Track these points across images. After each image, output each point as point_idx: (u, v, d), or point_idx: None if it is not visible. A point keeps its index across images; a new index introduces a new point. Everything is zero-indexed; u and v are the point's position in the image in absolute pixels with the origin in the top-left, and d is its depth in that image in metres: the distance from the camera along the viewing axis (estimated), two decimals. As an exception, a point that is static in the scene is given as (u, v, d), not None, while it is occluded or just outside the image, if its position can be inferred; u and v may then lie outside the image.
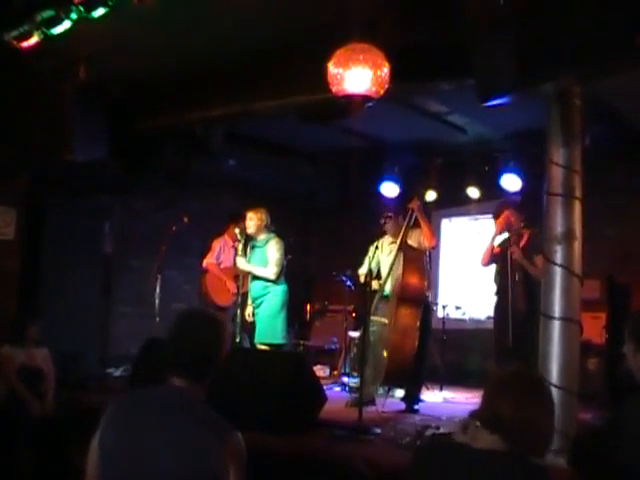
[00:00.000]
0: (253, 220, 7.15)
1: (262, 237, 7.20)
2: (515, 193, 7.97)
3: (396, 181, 8.70)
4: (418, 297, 6.51)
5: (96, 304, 8.38)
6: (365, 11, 4.89)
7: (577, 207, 4.65)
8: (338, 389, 7.69)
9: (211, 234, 8.22)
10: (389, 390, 6.68)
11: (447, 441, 2.26)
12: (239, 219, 7.46)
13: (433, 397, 7.31)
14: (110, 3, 4.53)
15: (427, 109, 7.43)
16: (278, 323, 7.09)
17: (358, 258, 7.04)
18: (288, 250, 7.42)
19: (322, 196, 10.18)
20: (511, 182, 8.00)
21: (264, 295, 7.12)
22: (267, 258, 7.11)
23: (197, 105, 6.88)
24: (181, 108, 7.04)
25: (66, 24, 4.71)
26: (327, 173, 10.00)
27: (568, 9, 4.27)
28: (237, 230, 7.34)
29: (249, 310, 7.22)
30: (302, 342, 9.34)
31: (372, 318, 6.45)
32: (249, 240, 7.29)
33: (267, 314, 7.09)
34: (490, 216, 7.12)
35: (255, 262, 7.17)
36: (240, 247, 7.26)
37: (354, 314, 8.59)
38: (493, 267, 6.84)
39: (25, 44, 4.91)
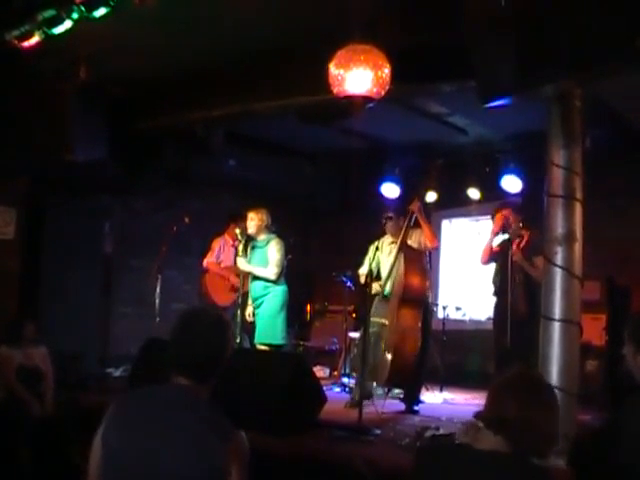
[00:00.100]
0: (254, 220, 7.15)
1: (262, 237, 7.20)
2: (515, 194, 7.98)
3: (397, 182, 8.70)
4: (420, 298, 6.52)
5: (96, 304, 8.38)
6: (366, 12, 4.89)
7: (577, 208, 4.66)
8: (338, 390, 7.69)
9: (211, 234, 8.22)
10: (388, 391, 6.68)
11: (449, 442, 2.27)
12: (239, 219, 7.46)
13: (433, 398, 7.31)
14: (111, 3, 4.53)
15: (428, 110, 7.43)
16: (278, 323, 7.08)
17: (358, 259, 7.03)
18: (288, 250, 7.41)
19: (322, 197, 10.18)
20: (511, 183, 8.00)
21: (264, 295, 7.11)
22: (267, 258, 7.10)
23: (197, 105, 6.89)
24: (181, 108, 7.04)
25: (67, 24, 4.72)
26: (328, 174, 10.00)
27: (569, 10, 4.27)
28: (238, 230, 7.34)
29: (249, 310, 7.22)
30: (302, 343, 9.33)
31: (372, 319, 6.45)
32: (249, 240, 7.28)
33: (267, 314, 7.09)
34: (490, 217, 7.13)
35: (255, 262, 7.17)
36: (240, 247, 7.25)
37: (354, 315, 8.59)
38: (492, 268, 6.85)
39: (26, 44, 4.91)
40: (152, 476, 2.26)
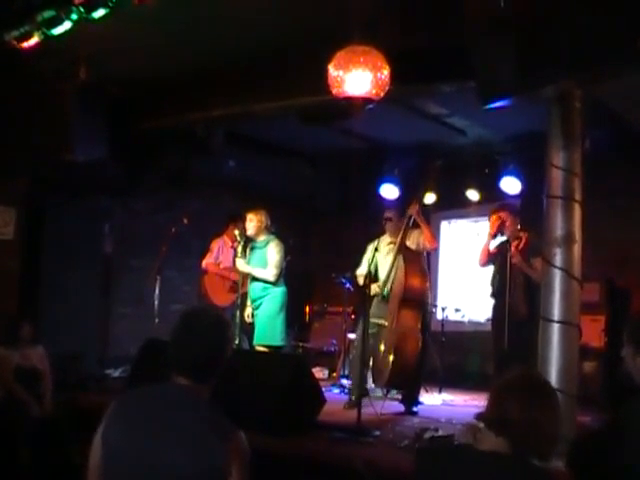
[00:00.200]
0: (253, 221, 7.15)
1: (262, 238, 7.20)
2: (515, 196, 7.98)
3: (396, 183, 8.69)
4: (420, 299, 6.52)
5: (96, 304, 8.37)
6: (365, 12, 4.88)
7: (577, 210, 4.66)
8: (337, 391, 7.68)
9: (211, 235, 8.22)
10: (388, 392, 6.68)
11: (450, 443, 2.28)
12: (239, 220, 7.46)
13: (432, 399, 7.29)
14: (110, 4, 4.52)
15: (427, 111, 7.43)
16: (277, 325, 7.08)
17: (358, 259, 7.03)
18: (288, 252, 7.41)
19: (322, 198, 10.19)
20: (511, 185, 8.00)
21: (263, 296, 7.11)
22: (266, 259, 7.10)
23: (197, 106, 6.89)
24: (181, 108, 7.04)
25: (66, 25, 4.71)
26: (327, 175, 10.00)
27: (568, 11, 4.27)
28: (237, 231, 7.34)
29: (248, 311, 7.22)
30: (301, 344, 9.33)
31: (371, 320, 6.44)
32: (249, 241, 7.28)
33: (266, 315, 7.09)
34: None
35: (254, 263, 7.17)
36: (240, 248, 7.26)
37: (353, 316, 8.58)
38: (492, 269, 6.84)
39: (25, 44, 4.90)
40: (152, 476, 2.26)
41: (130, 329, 8.33)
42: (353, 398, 6.35)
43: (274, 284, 7.08)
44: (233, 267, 7.52)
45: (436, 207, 8.84)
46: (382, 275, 6.66)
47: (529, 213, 6.32)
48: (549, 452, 2.22)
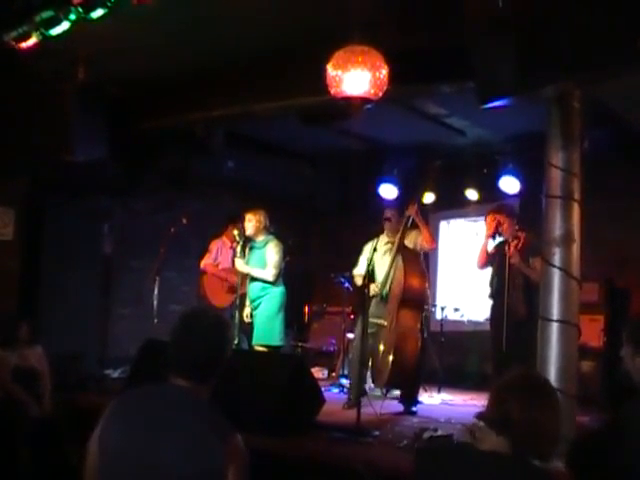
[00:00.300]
0: (252, 222, 7.15)
1: (261, 239, 7.20)
2: (514, 196, 7.98)
3: (395, 183, 8.69)
4: (419, 299, 6.53)
5: (95, 305, 8.37)
6: (365, 12, 4.88)
7: (576, 210, 4.66)
8: (336, 391, 7.67)
9: (210, 235, 8.22)
10: (387, 392, 6.68)
11: (449, 442, 2.28)
12: (238, 220, 7.46)
13: (431, 399, 7.30)
14: (109, 4, 4.51)
15: (426, 111, 7.42)
16: (276, 325, 7.08)
17: (356, 260, 7.03)
18: (287, 252, 7.41)
19: (321, 198, 10.19)
20: (510, 184, 8.00)
21: (262, 297, 7.11)
22: (265, 260, 7.10)
23: (197, 106, 6.88)
24: (181, 109, 7.04)
25: (65, 25, 4.70)
26: (327, 175, 10.00)
27: (568, 11, 4.28)
28: (236, 232, 7.34)
29: (247, 311, 7.22)
30: (300, 344, 9.33)
31: (370, 320, 6.45)
32: (248, 241, 7.28)
33: (265, 315, 7.08)
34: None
35: (253, 264, 7.17)
36: (239, 248, 7.26)
37: (352, 316, 8.58)
38: (490, 270, 6.84)
39: (24, 45, 4.89)
40: (151, 476, 2.25)
41: (129, 329, 8.32)
42: (352, 398, 6.35)
43: (273, 284, 7.08)
44: (232, 268, 7.52)
45: (435, 207, 8.85)
46: (379, 275, 6.66)
47: (528, 213, 6.33)
48: (549, 452, 2.22)
